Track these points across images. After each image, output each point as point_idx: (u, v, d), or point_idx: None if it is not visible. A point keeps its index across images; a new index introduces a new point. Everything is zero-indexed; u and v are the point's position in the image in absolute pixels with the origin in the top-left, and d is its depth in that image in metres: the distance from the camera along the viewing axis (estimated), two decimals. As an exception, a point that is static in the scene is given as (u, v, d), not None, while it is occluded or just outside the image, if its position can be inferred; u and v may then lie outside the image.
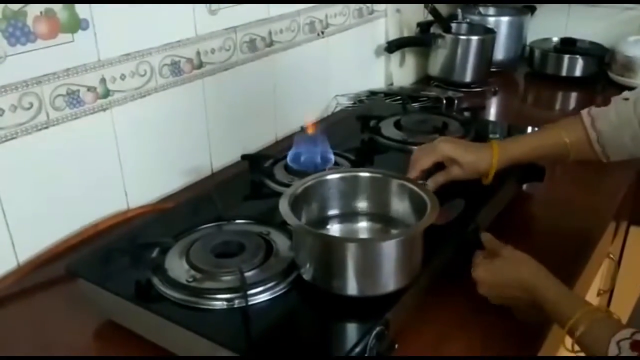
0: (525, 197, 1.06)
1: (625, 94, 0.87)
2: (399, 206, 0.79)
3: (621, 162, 0.89)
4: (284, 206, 0.71)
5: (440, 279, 0.79)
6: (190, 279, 0.70)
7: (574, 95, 1.68)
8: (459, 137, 1.08)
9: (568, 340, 0.68)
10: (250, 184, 0.97)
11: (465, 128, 1.11)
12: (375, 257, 0.67)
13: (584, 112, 0.88)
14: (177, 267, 0.72)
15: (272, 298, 0.68)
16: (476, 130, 1.11)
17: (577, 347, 0.67)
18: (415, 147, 1.05)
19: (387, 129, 1.13)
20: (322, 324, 0.68)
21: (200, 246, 0.75)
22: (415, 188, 0.77)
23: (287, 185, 0.92)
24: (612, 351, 0.63)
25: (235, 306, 0.66)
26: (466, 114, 1.21)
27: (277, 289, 0.69)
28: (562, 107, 1.68)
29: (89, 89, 0.90)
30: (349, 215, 0.81)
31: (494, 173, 0.88)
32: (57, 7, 0.83)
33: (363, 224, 0.81)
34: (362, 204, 0.82)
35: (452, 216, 0.84)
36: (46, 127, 0.86)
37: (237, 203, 0.93)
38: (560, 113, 1.62)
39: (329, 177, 0.80)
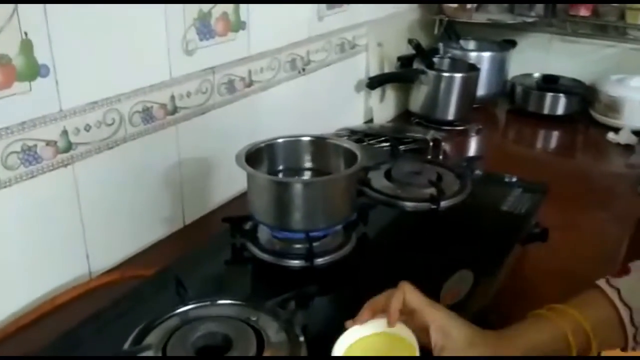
0: (528, 254, 0.99)
1: None
2: (336, 163, 0.90)
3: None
4: (240, 160, 0.81)
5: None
6: (170, 386, 0.59)
7: (555, 134, 1.64)
8: (456, 191, 1.00)
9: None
10: (231, 248, 0.87)
11: (461, 181, 1.03)
12: (313, 195, 0.81)
13: (602, 283, 0.68)
14: (154, 368, 0.61)
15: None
16: (473, 183, 1.03)
17: None
18: (408, 203, 0.98)
19: (377, 180, 1.04)
20: None
21: (180, 340, 0.64)
22: (348, 146, 0.88)
23: (273, 253, 0.83)
24: None
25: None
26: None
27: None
28: (544, 146, 1.64)
29: (48, 143, 0.79)
30: (294, 172, 0.93)
31: None
32: (12, 53, 0.72)
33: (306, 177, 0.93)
34: (305, 163, 0.93)
35: (462, 294, 0.76)
36: (-4, 190, 0.74)
37: (218, 273, 0.83)
38: (542, 151, 1.58)
39: (278, 141, 0.91)
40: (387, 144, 1.30)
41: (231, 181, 1.09)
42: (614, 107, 1.56)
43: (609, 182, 1.35)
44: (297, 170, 0.91)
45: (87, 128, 0.83)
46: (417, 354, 0.61)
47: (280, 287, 0.76)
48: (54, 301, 0.81)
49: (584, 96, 1.63)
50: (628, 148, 1.48)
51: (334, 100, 1.41)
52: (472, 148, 1.52)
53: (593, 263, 0.98)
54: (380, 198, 1.00)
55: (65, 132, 0.80)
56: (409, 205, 0.98)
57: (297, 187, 0.81)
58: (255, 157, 0.86)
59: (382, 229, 0.94)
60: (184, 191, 1.03)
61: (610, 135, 1.51)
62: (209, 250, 0.88)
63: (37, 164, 0.78)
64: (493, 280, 0.82)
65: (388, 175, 1.06)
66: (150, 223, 0.98)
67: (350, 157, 0.86)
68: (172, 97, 0.95)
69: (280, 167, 0.91)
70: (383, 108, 1.58)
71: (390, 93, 1.59)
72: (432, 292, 0.76)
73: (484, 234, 0.93)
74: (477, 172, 1.09)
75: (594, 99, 1.61)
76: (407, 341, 0.63)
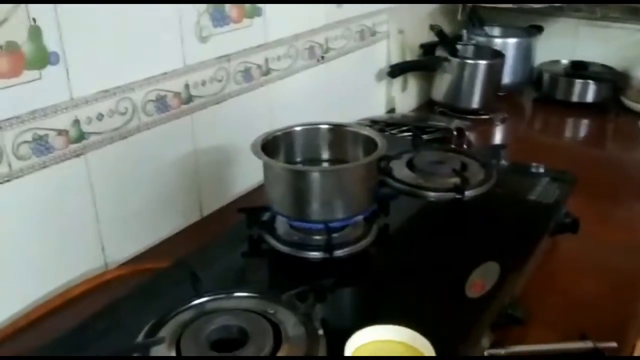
0: (558, 246, 0.95)
1: None
2: (355, 151, 0.87)
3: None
4: (256, 149, 0.78)
5: None
6: (183, 381, 0.57)
7: (584, 122, 1.58)
8: (481, 180, 0.96)
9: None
10: (248, 240, 0.84)
11: (486, 170, 0.99)
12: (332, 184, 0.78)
13: None
14: (166, 363, 0.59)
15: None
16: (498, 173, 0.99)
17: None
18: (431, 193, 0.95)
19: (399, 170, 1.00)
20: None
21: (193, 334, 0.62)
22: (368, 133, 0.85)
23: (291, 244, 0.80)
24: None
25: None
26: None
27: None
28: (573, 135, 1.58)
29: (60, 132, 0.77)
30: (312, 161, 0.89)
31: None
32: (21, 40, 0.70)
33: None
34: (323, 152, 0.89)
35: (488, 287, 0.73)
36: (8, 180, 0.73)
37: (235, 266, 0.80)
38: (571, 140, 1.53)
39: (295, 129, 0.88)
40: (410, 133, 1.26)
41: (250, 172, 1.06)
42: (646, 93, 1.50)
43: (641, 172, 1.29)
44: (315, 160, 0.88)
45: (100, 117, 0.81)
46: None
47: (298, 280, 0.73)
48: (67, 294, 0.79)
49: (615, 82, 1.57)
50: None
51: (354, 90, 1.38)
52: (498, 137, 1.47)
53: (627, 256, 0.94)
54: (403, 188, 0.96)
55: (77, 122, 0.78)
56: (432, 195, 0.94)
57: (315, 176, 0.78)
58: (272, 146, 0.83)
59: (404, 220, 0.91)
60: (200, 182, 1.01)
61: (643, 123, 1.46)
62: (226, 242, 0.86)
63: (49, 154, 0.76)
64: (520, 273, 0.78)
65: (410, 164, 1.02)
66: (167, 214, 0.96)
67: (371, 145, 0.83)
68: (187, 86, 0.93)
69: (298, 157, 0.88)
70: (405, 97, 1.54)
71: (413, 82, 1.55)
72: (456, 284, 0.74)
73: (510, 225, 0.89)
74: (503, 162, 1.05)
75: (626, 85, 1.55)
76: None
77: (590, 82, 1.56)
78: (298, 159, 0.88)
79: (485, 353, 0.70)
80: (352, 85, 1.36)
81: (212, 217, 1.03)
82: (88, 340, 0.67)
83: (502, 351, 0.71)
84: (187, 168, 0.98)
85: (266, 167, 0.80)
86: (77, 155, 0.80)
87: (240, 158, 1.05)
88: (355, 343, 0.61)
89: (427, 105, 1.58)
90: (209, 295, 0.69)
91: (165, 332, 0.63)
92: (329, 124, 0.88)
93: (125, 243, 0.90)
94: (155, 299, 0.72)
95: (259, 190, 1.07)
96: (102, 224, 0.85)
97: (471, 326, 0.68)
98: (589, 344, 0.72)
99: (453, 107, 1.50)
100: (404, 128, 1.32)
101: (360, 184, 0.80)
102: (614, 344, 0.72)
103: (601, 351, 0.72)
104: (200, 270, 0.72)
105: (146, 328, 0.63)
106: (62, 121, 0.77)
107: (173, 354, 0.60)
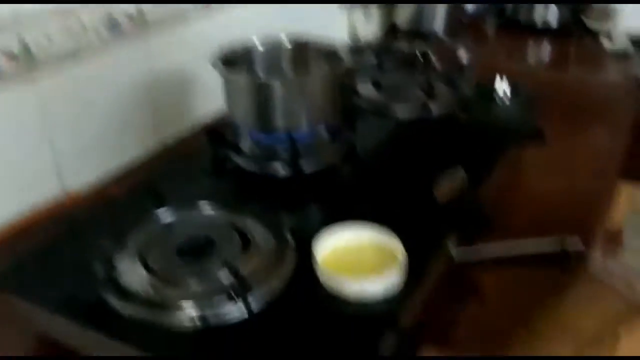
0: (525, 163, 0.95)
1: None
2: (318, 67, 0.85)
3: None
4: (217, 64, 0.76)
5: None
6: (150, 289, 0.55)
7: (548, 46, 1.58)
8: (447, 97, 0.95)
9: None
10: (213, 160, 0.82)
11: (453, 89, 0.98)
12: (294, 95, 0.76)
13: None
14: (131, 273, 0.57)
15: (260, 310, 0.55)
16: (464, 91, 0.98)
17: None
18: (398, 111, 0.93)
19: (365, 88, 0.99)
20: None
21: (158, 243, 0.61)
22: (331, 47, 0.85)
23: (256, 160, 0.79)
24: None
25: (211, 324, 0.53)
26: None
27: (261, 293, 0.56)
28: (537, 59, 1.58)
29: (7, 54, 0.73)
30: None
31: None
32: (-47, -53, 0.65)
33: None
34: (285, 68, 0.88)
35: (455, 193, 0.72)
36: (-47, 104, 0.69)
37: (200, 187, 0.78)
38: (534, 65, 1.52)
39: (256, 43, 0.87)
40: (374, 58, 1.24)
41: (209, 97, 1.03)
42: (607, 11, 1.50)
43: (605, 93, 1.30)
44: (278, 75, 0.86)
45: (49, 38, 0.77)
46: (400, 266, 0.58)
47: (266, 197, 0.72)
48: (25, 222, 0.76)
49: (576, 4, 1.56)
50: (623, 57, 1.42)
51: (316, 18, 1.34)
52: (462, 62, 1.46)
53: (592, 177, 0.94)
54: (369, 107, 0.95)
55: (24, 42, 0.74)
56: (399, 113, 0.93)
57: (277, 87, 0.75)
58: (232, 63, 0.80)
59: (371, 138, 0.89)
60: (158, 108, 0.97)
61: (605, 42, 1.46)
62: (188, 165, 0.84)
63: (-2, 77, 0.72)
64: (487, 178, 0.78)
65: (376, 84, 1.01)
66: (125, 141, 0.93)
67: (334, 60, 0.81)
68: (139, 7, 0.89)
69: (260, 74, 0.85)
70: (367, 24, 1.51)
71: (375, 8, 1.52)
72: (424, 190, 0.73)
73: (478, 138, 0.89)
74: (469, 82, 1.04)
75: (587, 6, 1.55)
76: (396, 256, 0.60)
77: (552, 4, 1.55)
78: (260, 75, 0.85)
79: (454, 254, 0.70)
80: (314, 14, 1.32)
81: (170, 142, 1.00)
82: (50, 260, 0.64)
83: (471, 257, 0.71)
84: (143, 93, 0.94)
85: (227, 82, 0.77)
86: (28, 80, 0.76)
87: (197, 82, 1.02)
88: (325, 246, 0.60)
89: (391, 32, 1.56)
90: (173, 209, 0.67)
91: (130, 243, 0.61)
92: (290, 38, 0.85)
93: (83, 171, 0.87)
94: (119, 219, 0.70)
95: (218, 117, 1.04)
96: (58, 152, 0.82)
97: (440, 227, 0.68)
98: (555, 244, 0.73)
99: (417, 32, 1.48)
100: (369, 54, 1.30)
101: (323, 95, 0.78)
102: (580, 245, 0.73)
103: (568, 252, 0.73)
104: (160, 193, 0.69)
105: (109, 240, 0.61)
106: (8, 42, 0.72)
107: (137, 262, 0.58)
